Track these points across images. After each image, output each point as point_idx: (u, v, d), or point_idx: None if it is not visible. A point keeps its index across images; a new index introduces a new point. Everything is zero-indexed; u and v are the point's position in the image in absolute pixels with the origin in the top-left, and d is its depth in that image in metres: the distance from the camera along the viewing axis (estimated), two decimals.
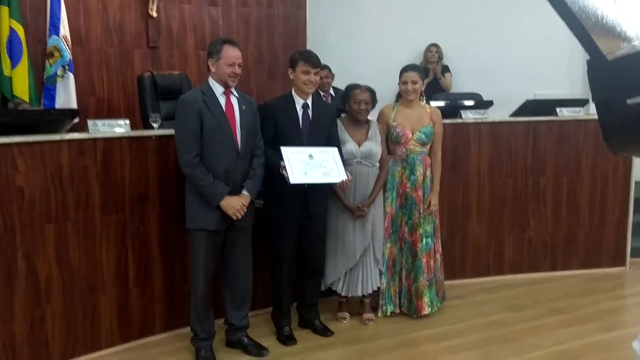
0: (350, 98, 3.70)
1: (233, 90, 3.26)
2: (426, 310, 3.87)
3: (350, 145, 3.67)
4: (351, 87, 3.74)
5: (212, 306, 3.38)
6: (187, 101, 3.15)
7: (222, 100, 3.20)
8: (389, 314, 3.89)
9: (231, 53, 3.18)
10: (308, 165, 3.29)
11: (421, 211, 3.84)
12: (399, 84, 3.91)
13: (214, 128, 3.13)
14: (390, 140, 3.86)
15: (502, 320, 3.89)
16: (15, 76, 4.41)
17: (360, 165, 3.69)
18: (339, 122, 3.74)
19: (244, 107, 3.27)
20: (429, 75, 6.18)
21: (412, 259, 3.88)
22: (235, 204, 3.15)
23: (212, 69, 3.21)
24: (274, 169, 3.33)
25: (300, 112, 3.47)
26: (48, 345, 3.21)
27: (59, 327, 3.24)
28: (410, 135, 3.83)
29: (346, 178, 3.38)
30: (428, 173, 3.89)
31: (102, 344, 3.41)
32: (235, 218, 3.16)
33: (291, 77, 3.50)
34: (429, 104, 4.16)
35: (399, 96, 4.10)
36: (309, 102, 3.50)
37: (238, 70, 3.20)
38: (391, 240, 3.87)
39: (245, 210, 3.20)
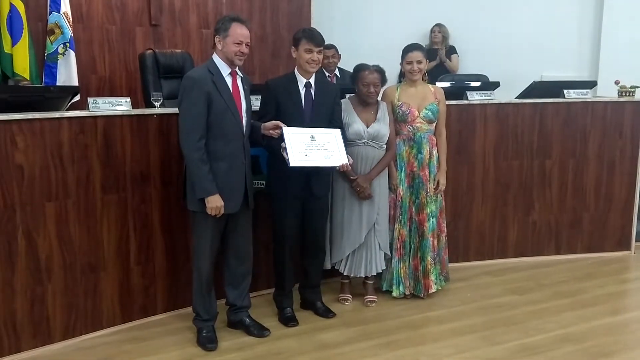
0: (359, 80, 3.64)
1: (238, 71, 3.21)
2: (433, 288, 3.87)
3: (358, 126, 3.62)
4: (360, 68, 3.67)
5: (215, 287, 3.36)
6: (196, 80, 3.06)
7: (229, 81, 3.16)
8: (399, 295, 3.88)
9: (239, 31, 3.11)
10: (309, 147, 3.25)
11: (428, 190, 3.82)
12: (401, 64, 3.86)
13: (222, 110, 3.08)
14: (396, 120, 3.82)
15: (506, 303, 3.87)
16: (15, 53, 4.36)
17: (367, 147, 3.65)
18: (347, 102, 3.70)
19: (245, 87, 3.25)
20: (435, 57, 6.10)
21: (419, 238, 3.87)
22: (219, 204, 3.08)
23: (219, 47, 3.13)
24: (276, 150, 3.28)
25: (302, 91, 3.42)
26: (49, 324, 3.21)
27: (59, 305, 3.23)
28: (417, 113, 3.79)
29: (347, 162, 3.34)
30: (434, 152, 3.87)
31: (103, 323, 3.41)
32: (212, 214, 3.09)
33: (294, 55, 3.44)
34: (433, 84, 4.12)
35: (402, 76, 4.05)
36: (312, 81, 3.44)
37: (245, 49, 3.14)
38: (400, 222, 3.84)
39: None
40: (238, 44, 3.10)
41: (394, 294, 3.87)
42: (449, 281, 4.12)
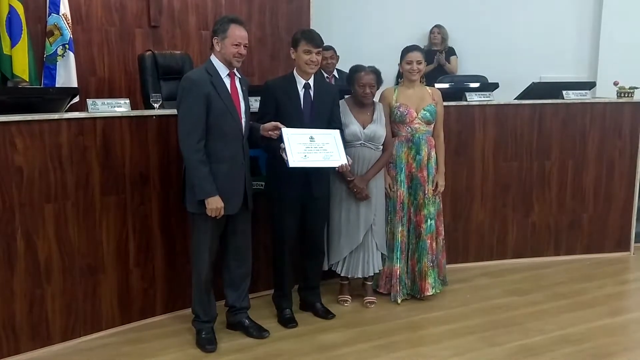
0: (355, 81, 3.64)
1: (236, 72, 3.21)
2: (430, 292, 3.86)
3: (355, 127, 3.62)
4: (355, 69, 3.68)
5: (214, 288, 3.36)
6: (195, 81, 3.06)
7: (227, 82, 3.16)
8: (404, 297, 3.88)
9: (237, 33, 3.11)
10: (308, 147, 3.25)
11: (426, 192, 3.82)
12: (399, 64, 3.87)
13: (221, 112, 3.08)
14: (395, 121, 3.82)
15: (505, 304, 3.87)
16: (15, 55, 4.36)
17: (364, 148, 3.65)
18: (343, 103, 3.70)
19: (244, 88, 3.25)
20: (433, 60, 6.09)
21: (416, 239, 3.87)
22: (219, 205, 3.08)
23: (217, 48, 3.13)
24: (275, 151, 3.28)
25: (301, 92, 3.42)
26: (48, 325, 3.21)
27: (59, 307, 3.23)
28: (415, 114, 3.80)
29: (346, 162, 3.34)
30: (433, 154, 3.87)
31: (102, 325, 3.41)
32: (212, 215, 3.09)
33: (293, 56, 3.45)
34: (432, 86, 4.13)
35: (399, 77, 4.06)
36: (311, 82, 3.44)
37: (243, 50, 3.14)
38: (401, 223, 3.84)
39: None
40: (236, 45, 3.10)
41: (399, 300, 3.85)
42: (446, 285, 4.10)
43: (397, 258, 3.84)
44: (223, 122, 3.09)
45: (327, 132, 3.37)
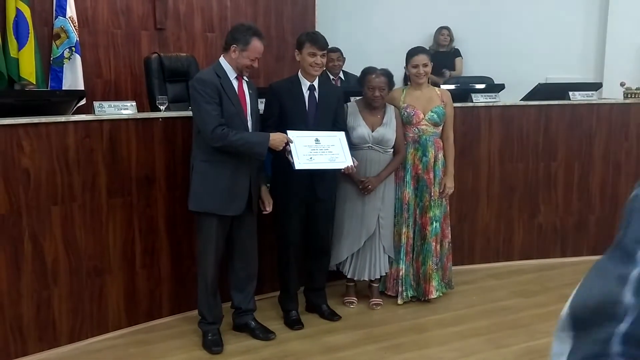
0: (365, 83, 3.63)
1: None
2: (434, 294, 3.85)
3: (363, 130, 3.61)
4: (366, 71, 3.66)
5: (220, 290, 3.37)
6: (207, 81, 3.08)
7: (235, 85, 3.18)
8: (409, 299, 3.87)
9: (258, 48, 3.14)
10: (314, 150, 3.26)
11: (432, 194, 3.81)
12: (405, 67, 3.85)
13: (231, 114, 3.10)
14: (402, 122, 3.80)
15: (512, 306, 3.86)
16: (21, 58, 4.38)
17: (372, 151, 3.64)
18: (354, 105, 3.70)
19: (251, 91, 3.26)
20: (440, 69, 6.04)
21: (421, 241, 3.85)
22: (280, 137, 3.13)
23: (233, 55, 3.14)
24: (280, 153, 3.28)
25: (306, 94, 3.43)
26: (55, 327, 3.22)
27: (65, 309, 3.24)
28: (422, 115, 3.78)
29: (352, 164, 3.34)
30: (440, 156, 3.84)
31: (109, 326, 3.41)
32: (284, 144, 3.14)
33: (298, 58, 3.45)
34: (438, 86, 4.12)
35: (407, 79, 4.04)
36: (316, 84, 3.45)
37: (256, 64, 3.18)
38: (407, 224, 3.83)
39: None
40: (253, 60, 3.14)
41: (399, 300, 3.84)
42: (452, 288, 4.06)
43: (401, 259, 3.83)
44: (231, 124, 3.10)
45: (332, 134, 3.37)
